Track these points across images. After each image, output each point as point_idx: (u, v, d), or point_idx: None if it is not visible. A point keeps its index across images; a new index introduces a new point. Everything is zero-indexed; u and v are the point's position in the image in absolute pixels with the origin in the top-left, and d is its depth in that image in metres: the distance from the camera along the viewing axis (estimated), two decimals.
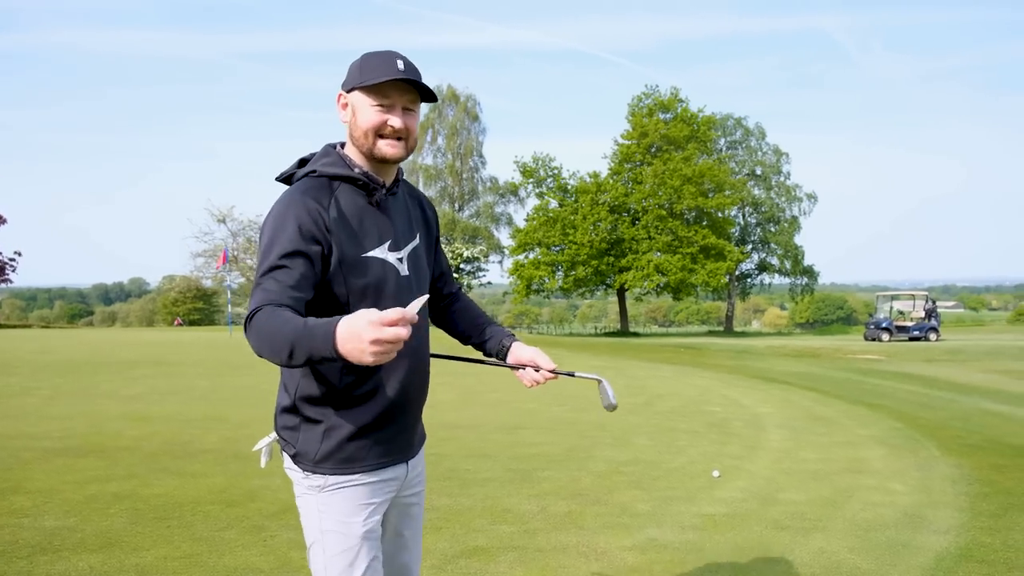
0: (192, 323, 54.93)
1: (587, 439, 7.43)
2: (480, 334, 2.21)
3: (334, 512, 1.87)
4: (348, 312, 1.76)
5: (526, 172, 49.07)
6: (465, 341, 2.24)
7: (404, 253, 1.96)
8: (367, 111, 1.85)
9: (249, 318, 1.65)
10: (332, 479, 1.87)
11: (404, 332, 1.41)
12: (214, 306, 62.26)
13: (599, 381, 2.16)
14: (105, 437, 7.03)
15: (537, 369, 2.06)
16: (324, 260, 1.79)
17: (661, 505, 5.07)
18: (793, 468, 6.30)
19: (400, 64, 1.85)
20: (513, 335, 2.17)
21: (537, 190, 49.66)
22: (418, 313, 1.90)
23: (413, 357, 1.97)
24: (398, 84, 1.83)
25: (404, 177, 2.06)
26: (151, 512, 4.64)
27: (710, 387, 12.60)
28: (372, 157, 1.88)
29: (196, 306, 60.37)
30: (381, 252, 1.89)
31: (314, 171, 1.88)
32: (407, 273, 1.95)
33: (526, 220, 48.85)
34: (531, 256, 48.14)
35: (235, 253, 40.85)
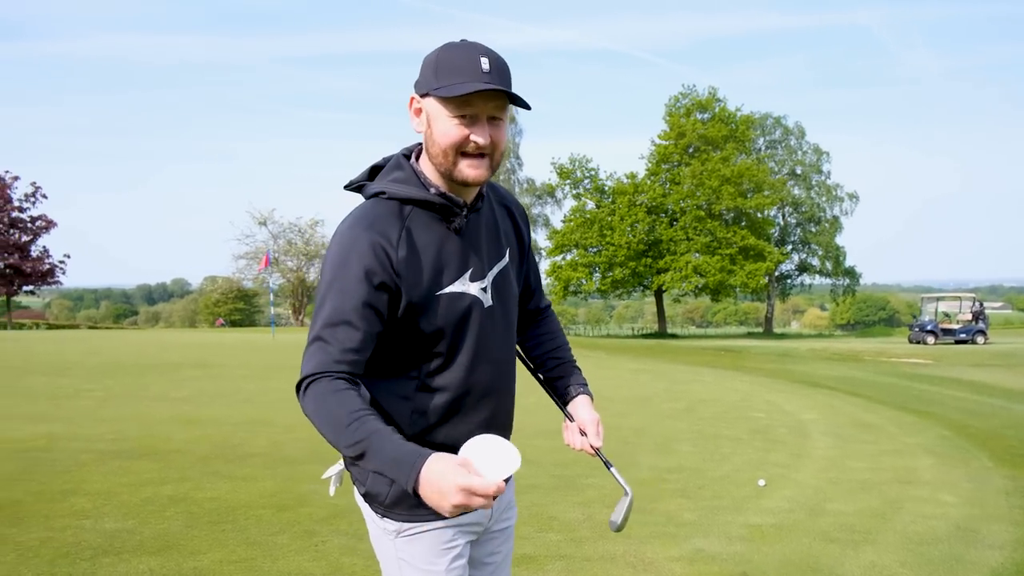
0: (233, 323, 56.01)
1: (629, 445, 7.42)
2: (553, 370, 1.99)
3: (414, 559, 1.72)
4: (422, 351, 1.68)
5: (563, 173, 49.08)
6: (536, 369, 2.02)
7: (488, 281, 1.74)
8: (445, 124, 1.58)
9: (305, 384, 1.53)
10: (407, 525, 1.71)
11: (490, 503, 1.33)
12: (254, 307, 63.46)
13: (625, 494, 1.95)
14: (157, 440, 7.21)
15: (582, 434, 1.90)
16: (392, 304, 1.61)
17: (707, 515, 5.05)
18: (840, 477, 6.22)
19: (485, 64, 1.55)
20: (585, 385, 1.98)
21: (574, 191, 49.67)
22: (504, 339, 1.82)
23: (497, 399, 1.79)
24: (483, 91, 1.56)
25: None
26: (205, 516, 4.76)
27: (752, 392, 12.49)
28: (451, 179, 1.64)
29: (237, 307, 61.64)
30: (461, 285, 1.68)
31: (383, 192, 1.66)
32: (491, 303, 1.74)
33: (563, 221, 48.88)
34: (568, 257, 48.13)
35: (276, 255, 41.48)
